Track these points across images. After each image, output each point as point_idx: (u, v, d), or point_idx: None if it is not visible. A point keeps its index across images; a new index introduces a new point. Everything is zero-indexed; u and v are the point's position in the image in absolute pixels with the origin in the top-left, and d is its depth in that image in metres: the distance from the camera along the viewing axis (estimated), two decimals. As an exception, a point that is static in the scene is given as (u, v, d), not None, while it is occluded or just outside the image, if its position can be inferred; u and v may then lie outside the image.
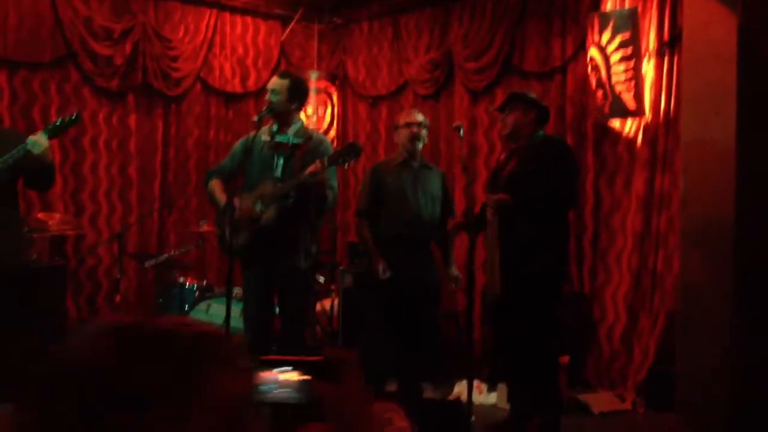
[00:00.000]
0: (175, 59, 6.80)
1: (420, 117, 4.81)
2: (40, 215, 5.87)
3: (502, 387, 4.97)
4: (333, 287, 6.47)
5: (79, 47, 6.29)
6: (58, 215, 5.96)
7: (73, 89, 6.39)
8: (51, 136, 4.20)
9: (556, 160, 4.27)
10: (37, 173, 4.27)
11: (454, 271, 4.89)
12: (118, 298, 5.62)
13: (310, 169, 4.05)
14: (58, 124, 4.21)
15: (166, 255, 6.00)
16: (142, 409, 0.81)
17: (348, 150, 4.11)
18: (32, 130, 6.12)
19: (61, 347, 0.89)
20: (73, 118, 4.25)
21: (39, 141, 4.09)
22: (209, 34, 7.02)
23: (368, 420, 1.29)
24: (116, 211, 6.58)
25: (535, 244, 4.17)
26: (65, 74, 6.35)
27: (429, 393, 5.32)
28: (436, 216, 4.79)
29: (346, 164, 4.17)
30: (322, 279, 6.37)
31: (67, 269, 5.80)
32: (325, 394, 1.24)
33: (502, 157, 4.65)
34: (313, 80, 7.43)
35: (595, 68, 5.65)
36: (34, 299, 4.93)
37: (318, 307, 6.40)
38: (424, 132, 4.79)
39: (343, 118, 7.63)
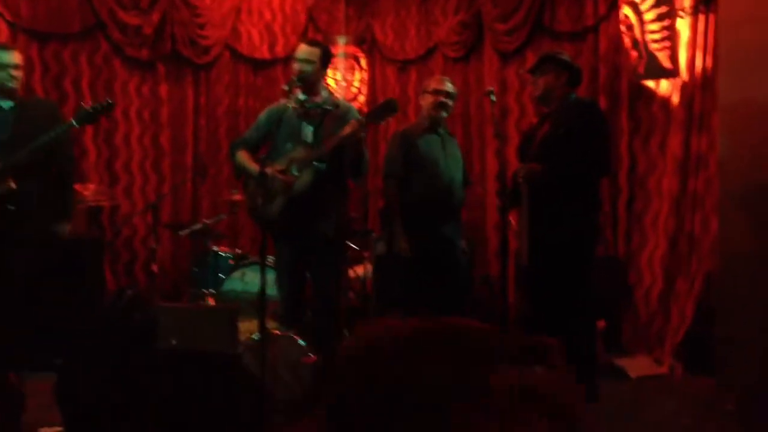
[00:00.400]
0: (203, 27, 6.78)
1: (450, 87, 4.75)
2: (75, 186, 5.93)
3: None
4: (366, 254, 6.48)
5: (107, 17, 6.30)
6: (93, 186, 6.03)
7: (104, 59, 6.41)
8: (82, 123, 4.23)
9: (588, 125, 4.21)
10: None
11: (462, 243, 4.86)
12: (154, 267, 5.67)
13: (347, 129, 4.03)
14: (90, 111, 4.22)
15: (200, 224, 6.04)
16: (443, 402, 0.82)
17: (385, 106, 4.08)
18: (64, 102, 6.22)
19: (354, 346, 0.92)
20: (106, 104, 4.25)
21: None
22: (236, 1, 6.98)
23: (581, 401, 1.27)
24: (150, 180, 6.63)
25: (566, 210, 4.14)
26: (95, 45, 6.37)
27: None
28: (459, 182, 4.78)
29: (383, 121, 4.15)
30: (354, 246, 6.38)
31: (104, 240, 5.87)
32: (540, 380, 1.21)
33: (535, 120, 4.59)
34: (341, 45, 7.37)
35: (629, 27, 5.54)
36: (74, 270, 5.01)
37: (351, 273, 6.42)
38: (450, 103, 4.74)
39: (371, 83, 7.57)
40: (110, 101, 4.29)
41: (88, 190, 5.89)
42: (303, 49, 4.36)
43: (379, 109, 4.09)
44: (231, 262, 5.90)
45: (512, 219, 4.42)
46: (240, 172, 4.52)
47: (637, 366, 5.16)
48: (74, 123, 4.18)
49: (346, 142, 4.06)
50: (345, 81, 7.46)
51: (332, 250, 4.39)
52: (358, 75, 7.49)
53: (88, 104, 4.30)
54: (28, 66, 6.01)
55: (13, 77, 4.36)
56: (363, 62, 7.50)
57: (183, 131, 6.78)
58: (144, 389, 3.36)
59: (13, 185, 4.13)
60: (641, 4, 5.41)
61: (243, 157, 4.43)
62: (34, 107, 4.58)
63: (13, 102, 4.39)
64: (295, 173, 4.19)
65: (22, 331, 4.43)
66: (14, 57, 4.43)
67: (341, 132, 4.08)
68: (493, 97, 4.17)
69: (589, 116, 4.28)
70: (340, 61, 7.37)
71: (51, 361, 4.45)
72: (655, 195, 5.53)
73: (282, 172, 4.22)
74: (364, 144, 4.14)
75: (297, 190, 4.18)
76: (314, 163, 4.15)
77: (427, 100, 4.74)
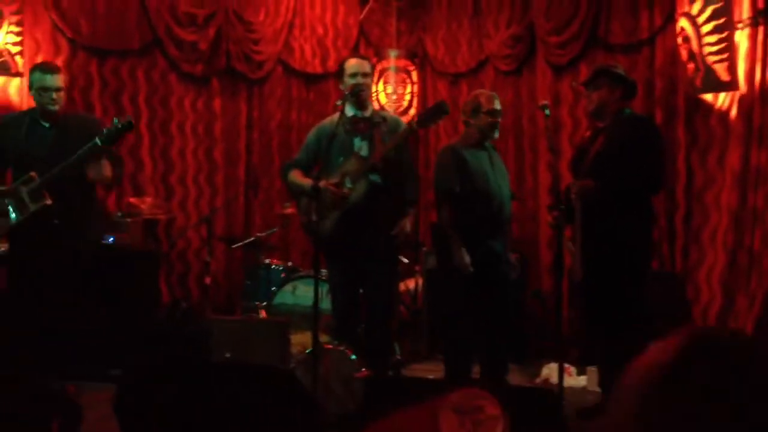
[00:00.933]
0: (256, 42, 6.87)
1: (500, 105, 4.70)
2: (132, 200, 6.05)
3: (592, 370, 4.90)
4: (417, 268, 6.47)
5: (164, 34, 6.42)
6: (149, 199, 6.14)
7: (160, 75, 6.54)
8: (107, 143, 4.29)
9: (643, 140, 4.15)
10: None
11: (510, 256, 4.80)
12: (208, 279, 5.75)
13: (400, 134, 4.04)
14: (112, 130, 4.29)
15: (252, 237, 6.10)
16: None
17: (436, 109, 4.08)
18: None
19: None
20: (126, 123, 4.32)
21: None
22: (289, 16, 7.06)
23: None
24: (204, 194, 6.73)
25: (620, 225, 4.08)
26: (152, 61, 6.50)
27: (516, 375, 5.30)
28: (507, 196, 4.72)
29: (434, 124, 4.16)
30: (405, 259, 6.37)
31: (160, 253, 5.97)
32: None
33: (587, 134, 4.53)
34: (393, 59, 7.41)
35: (686, 39, 5.44)
36: (130, 282, 5.10)
37: (402, 287, 6.42)
38: (500, 120, 4.71)
39: (422, 97, 7.58)
40: (131, 120, 4.35)
41: (145, 204, 6.01)
42: (357, 63, 4.38)
43: (430, 111, 4.08)
44: (282, 275, 5.95)
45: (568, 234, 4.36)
46: (294, 190, 4.56)
47: (694, 385, 5.03)
48: (98, 142, 4.26)
49: (396, 146, 4.07)
50: (396, 95, 7.48)
51: (386, 264, 4.39)
52: (409, 88, 7.50)
53: (125, 118, 4.37)
54: (87, 82, 6.17)
55: (54, 100, 4.47)
56: (414, 76, 7.52)
57: (236, 145, 6.87)
58: (198, 402, 3.40)
59: (48, 201, 4.23)
60: (698, 16, 5.32)
61: (295, 175, 4.48)
62: (74, 124, 4.69)
63: (54, 121, 4.49)
64: (349, 186, 4.20)
65: (78, 342, 4.52)
66: (58, 80, 4.53)
67: (390, 140, 4.10)
68: (548, 111, 4.13)
69: (644, 131, 4.22)
70: (391, 75, 7.40)
71: (108, 372, 4.55)
72: (713, 210, 5.41)
73: (336, 185, 4.24)
74: (411, 163, 4.15)
75: (352, 202, 4.20)
76: (368, 174, 4.17)
77: (482, 121, 4.60)
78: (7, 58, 5.70)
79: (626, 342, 4.15)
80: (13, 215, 4.28)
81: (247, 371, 3.70)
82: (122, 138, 4.53)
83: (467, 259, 4.46)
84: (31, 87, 4.52)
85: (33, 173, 4.27)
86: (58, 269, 4.41)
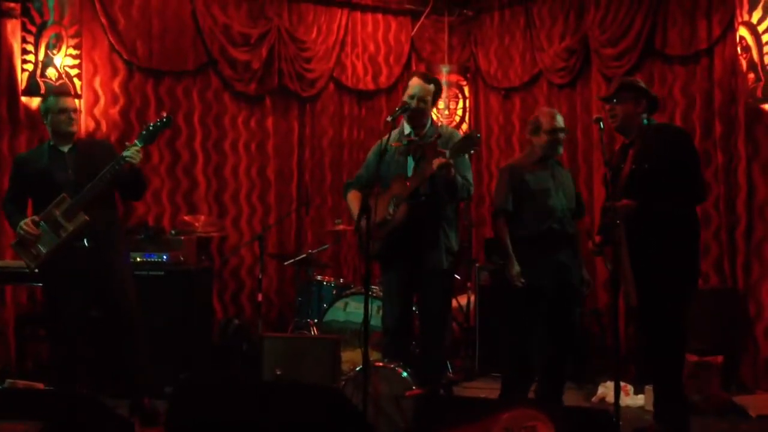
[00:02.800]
0: (309, 60, 6.92)
1: (562, 121, 4.62)
2: (186, 218, 6.13)
3: (649, 389, 4.75)
4: (469, 284, 6.40)
5: (218, 54, 6.51)
6: (203, 217, 6.20)
7: (214, 95, 6.61)
8: (146, 143, 4.37)
9: (677, 152, 4.01)
10: (133, 184, 4.48)
11: (585, 273, 4.68)
12: (260, 297, 5.77)
13: (436, 162, 3.99)
14: (150, 128, 4.35)
15: (304, 254, 6.11)
16: None
17: (466, 141, 4.02)
18: (177, 137, 6.46)
19: None
20: (164, 121, 4.39)
21: (134, 152, 4.28)
22: (341, 34, 7.10)
23: None
24: (257, 211, 6.77)
25: (664, 244, 3.95)
26: (206, 81, 6.58)
27: (573, 394, 5.18)
28: (570, 212, 4.62)
29: (468, 154, 4.09)
30: (458, 276, 6.30)
31: (213, 270, 6.02)
32: None
33: (617, 153, 4.39)
34: (444, 74, 7.38)
35: (746, 49, 5.29)
36: (186, 300, 5.14)
37: (454, 303, 6.35)
38: (563, 137, 4.63)
39: (475, 112, 7.53)
40: (168, 116, 4.41)
41: (199, 221, 6.07)
42: (419, 86, 4.33)
43: (460, 144, 4.02)
44: (334, 292, 5.93)
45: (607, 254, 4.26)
46: (351, 212, 4.58)
47: (758, 404, 4.86)
48: (138, 143, 4.32)
49: (436, 174, 4.02)
50: (448, 110, 7.45)
51: (439, 281, 4.34)
52: (461, 103, 7.47)
53: (163, 115, 4.42)
54: (143, 103, 6.28)
55: (73, 120, 4.52)
56: (466, 90, 7.48)
57: (288, 162, 6.91)
58: (247, 420, 3.39)
59: (86, 218, 4.28)
60: (759, 24, 5.16)
61: (352, 198, 4.49)
62: (91, 145, 4.79)
63: (72, 144, 4.54)
64: (391, 210, 4.21)
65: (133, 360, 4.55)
66: (73, 102, 4.62)
67: (424, 170, 4.07)
68: (602, 125, 4.03)
69: (675, 141, 4.09)
70: (443, 90, 7.35)
71: (163, 390, 4.59)
72: (776, 224, 5.23)
73: (384, 208, 4.24)
74: (452, 174, 4.06)
75: (395, 225, 4.20)
76: (411, 197, 4.15)
77: (542, 140, 4.56)
78: (66, 80, 5.84)
79: (660, 363, 4.05)
80: (49, 238, 4.32)
81: (297, 389, 3.69)
82: (161, 134, 4.56)
83: (517, 269, 4.46)
84: (46, 114, 4.52)
85: (64, 194, 4.32)
86: (97, 291, 4.45)
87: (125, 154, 4.28)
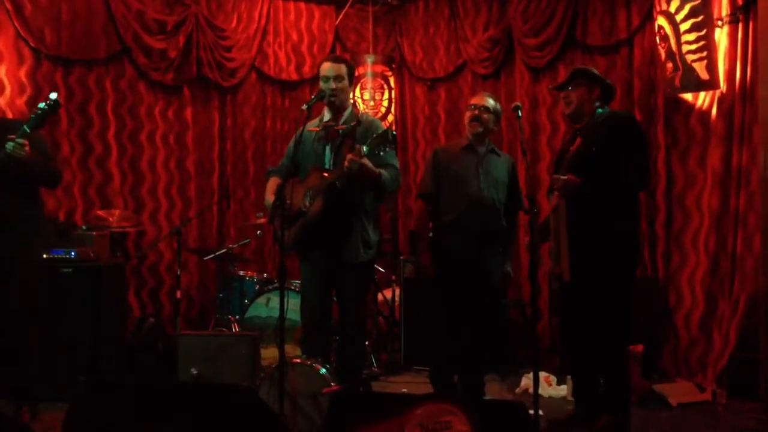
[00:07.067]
0: (229, 49, 6.73)
1: (487, 102, 4.57)
2: (99, 212, 5.89)
3: (571, 379, 4.74)
4: (394, 277, 6.32)
5: (132, 42, 6.26)
6: (117, 212, 5.97)
7: (129, 84, 6.37)
8: (36, 127, 4.14)
9: (624, 137, 4.01)
10: (26, 177, 4.23)
11: (507, 267, 4.63)
12: (178, 293, 5.57)
13: (349, 157, 3.87)
14: (39, 113, 4.12)
15: (225, 249, 5.94)
16: None
17: (381, 138, 3.90)
18: (90, 128, 6.19)
19: None
20: (51, 103, 4.14)
21: (15, 146, 4.05)
22: (263, 22, 6.93)
23: None
24: (176, 206, 6.56)
25: (606, 228, 3.93)
26: (120, 70, 6.33)
27: (496, 386, 5.14)
28: (499, 203, 4.54)
29: (382, 152, 3.95)
30: (381, 269, 6.22)
31: (127, 266, 5.78)
32: None
33: (567, 137, 4.41)
34: (369, 64, 7.28)
35: (664, 38, 5.32)
36: (96, 297, 4.92)
37: (379, 297, 6.27)
38: (486, 116, 4.55)
39: (401, 102, 7.46)
40: (56, 99, 4.17)
41: (113, 216, 5.84)
42: (330, 67, 4.22)
43: (376, 140, 3.90)
44: (256, 287, 5.79)
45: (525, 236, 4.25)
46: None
47: (678, 392, 4.90)
48: (26, 129, 4.09)
49: (351, 169, 3.89)
50: (374, 100, 7.34)
51: (357, 273, 4.22)
52: (386, 94, 7.37)
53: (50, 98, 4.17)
54: (52, 92, 5.99)
55: None
56: (392, 81, 7.39)
57: (209, 155, 6.71)
58: (152, 423, 3.23)
59: None
60: (676, 14, 5.19)
61: (269, 186, 4.34)
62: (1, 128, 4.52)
63: None
64: (309, 201, 4.08)
65: (39, 361, 4.35)
66: None
67: (341, 166, 3.93)
68: (520, 113, 3.98)
69: (625, 129, 4.07)
70: (368, 81, 7.27)
71: (66, 388, 4.38)
72: (694, 212, 5.28)
73: (300, 199, 4.11)
74: (369, 171, 3.94)
75: (310, 218, 4.07)
76: (327, 191, 4.02)
77: (465, 116, 4.64)
78: (-32, 68, 5.54)
79: (604, 351, 4.03)
80: None
81: (204, 390, 3.54)
82: (50, 118, 4.30)
83: (428, 259, 4.41)
84: None
85: None
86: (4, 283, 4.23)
87: (6, 147, 4.05)
